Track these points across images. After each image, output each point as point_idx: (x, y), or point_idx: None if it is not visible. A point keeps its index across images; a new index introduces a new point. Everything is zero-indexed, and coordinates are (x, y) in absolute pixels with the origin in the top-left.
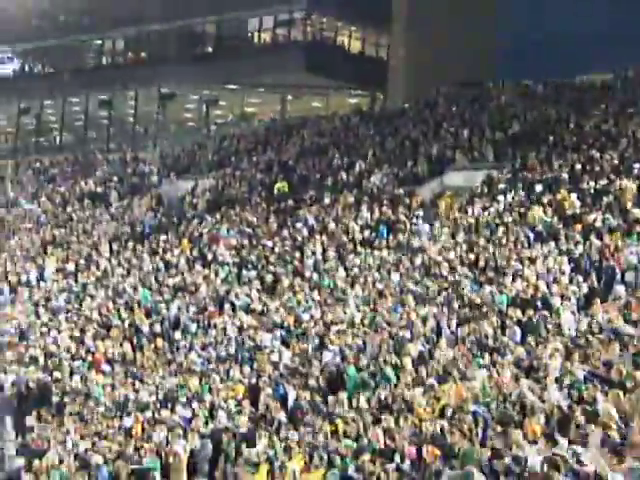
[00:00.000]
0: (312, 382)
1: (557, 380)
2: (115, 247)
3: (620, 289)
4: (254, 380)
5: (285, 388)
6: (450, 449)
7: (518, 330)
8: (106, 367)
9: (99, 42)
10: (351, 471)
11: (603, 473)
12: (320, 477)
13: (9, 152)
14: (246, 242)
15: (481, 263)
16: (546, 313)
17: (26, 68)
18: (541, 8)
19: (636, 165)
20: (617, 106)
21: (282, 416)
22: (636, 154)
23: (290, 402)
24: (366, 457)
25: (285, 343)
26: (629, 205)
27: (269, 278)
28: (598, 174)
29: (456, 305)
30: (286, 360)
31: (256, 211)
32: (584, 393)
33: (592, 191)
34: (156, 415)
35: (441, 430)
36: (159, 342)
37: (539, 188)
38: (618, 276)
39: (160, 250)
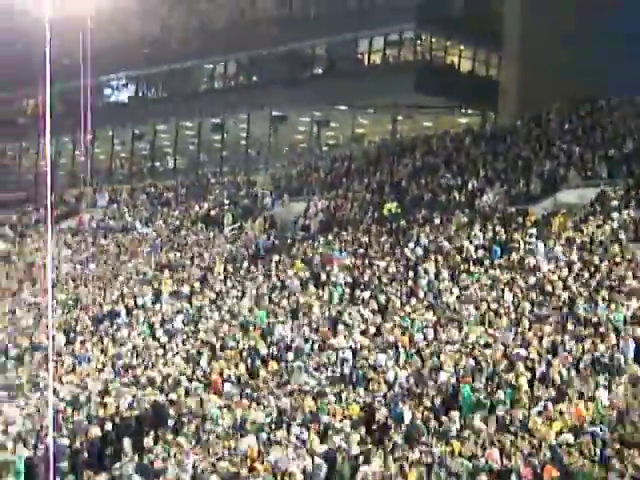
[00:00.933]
0: (427, 402)
1: None
2: (230, 269)
3: None
4: (369, 400)
5: (401, 408)
6: (568, 469)
7: (632, 347)
8: (222, 388)
9: (211, 66)
10: None
11: None
12: None
13: (124, 177)
14: (359, 263)
15: (596, 281)
16: None
17: (140, 94)
18: None
19: None
20: None
21: (398, 436)
22: None
23: (406, 421)
24: (483, 477)
25: (399, 363)
26: None
27: (382, 298)
28: None
29: (571, 324)
30: (401, 380)
31: (368, 231)
32: None
33: None
34: (272, 436)
35: (559, 450)
36: (274, 364)
37: None
38: None
39: (274, 271)
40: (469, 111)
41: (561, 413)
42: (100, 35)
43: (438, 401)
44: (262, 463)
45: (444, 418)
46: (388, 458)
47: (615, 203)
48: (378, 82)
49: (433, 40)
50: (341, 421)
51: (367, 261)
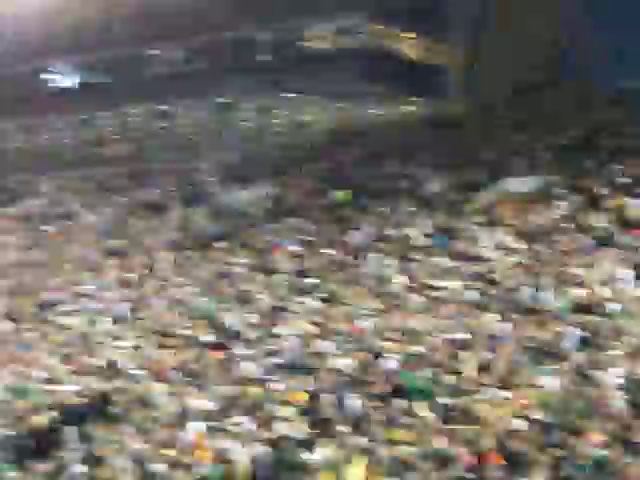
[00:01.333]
0: (372, 389)
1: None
2: (175, 256)
3: None
4: (314, 388)
5: (346, 395)
6: (514, 456)
7: (577, 336)
8: (167, 376)
9: (157, 52)
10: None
11: None
12: None
13: (70, 164)
14: (305, 250)
15: (540, 269)
16: (606, 319)
17: (85, 80)
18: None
19: None
20: None
21: (344, 424)
22: None
23: (350, 409)
24: (428, 465)
25: (345, 351)
26: None
27: (328, 286)
28: None
29: (515, 312)
30: (346, 368)
31: (314, 219)
32: None
33: None
34: (217, 424)
35: (504, 437)
36: (219, 351)
37: (598, 194)
38: None
39: (220, 259)
40: (415, 99)
41: (506, 400)
42: (45, 21)
43: (383, 389)
44: (207, 451)
45: (390, 406)
46: (334, 446)
47: (560, 192)
48: (324, 69)
49: (380, 27)
50: (286, 409)
51: (313, 249)
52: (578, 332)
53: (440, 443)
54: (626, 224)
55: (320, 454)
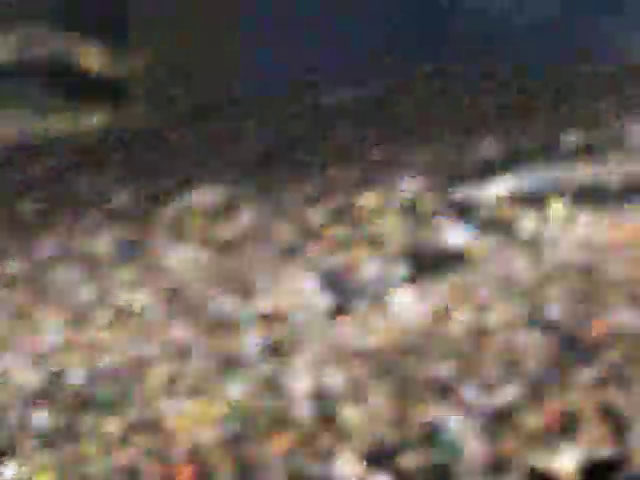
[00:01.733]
0: (59, 405)
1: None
2: None
3: None
4: None
5: (30, 411)
6: (206, 468)
7: (263, 346)
8: None
9: None
10: None
11: None
12: None
13: None
14: None
15: (228, 279)
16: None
17: None
18: None
19: None
20: None
21: (31, 440)
22: None
23: (37, 425)
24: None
25: (29, 366)
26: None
27: (13, 300)
28: None
29: (203, 324)
30: (31, 383)
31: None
32: None
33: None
34: None
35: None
36: None
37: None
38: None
39: None
40: (98, 111)
41: (196, 411)
42: None
43: (70, 404)
44: None
45: (75, 419)
46: (21, 462)
47: (247, 202)
48: (6, 81)
49: (63, 39)
50: None
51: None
52: (263, 342)
53: (129, 457)
54: (312, 234)
55: (10, 471)
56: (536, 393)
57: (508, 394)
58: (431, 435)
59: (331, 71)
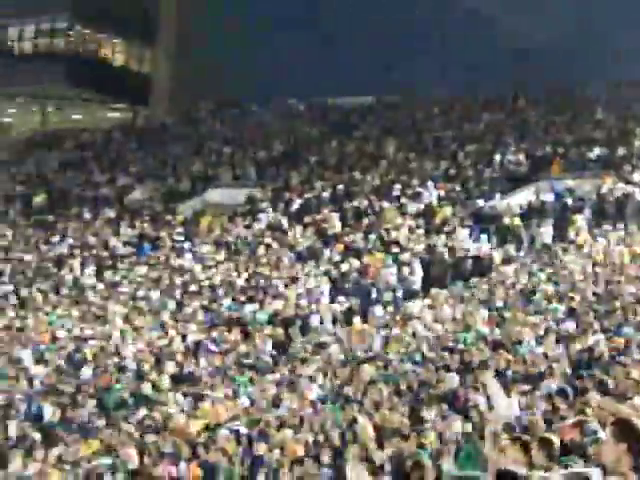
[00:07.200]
0: (69, 399)
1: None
2: None
3: (378, 309)
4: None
5: (40, 405)
6: (210, 467)
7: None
8: None
9: None
10: None
11: None
12: None
13: None
14: (1, 255)
15: (242, 282)
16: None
17: None
18: None
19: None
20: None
21: (36, 435)
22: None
23: (46, 419)
24: (121, 476)
25: (41, 359)
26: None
27: (25, 293)
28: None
29: (219, 323)
30: (42, 376)
31: (13, 224)
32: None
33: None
34: None
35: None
36: None
37: (300, 208)
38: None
39: None
40: (120, 106)
41: (202, 412)
42: None
43: (80, 398)
44: None
45: (92, 417)
46: (26, 457)
47: (263, 205)
48: (28, 71)
49: (86, 31)
50: None
51: (9, 254)
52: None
53: (132, 455)
54: (326, 238)
55: (15, 466)
56: None
57: None
58: None
59: None
